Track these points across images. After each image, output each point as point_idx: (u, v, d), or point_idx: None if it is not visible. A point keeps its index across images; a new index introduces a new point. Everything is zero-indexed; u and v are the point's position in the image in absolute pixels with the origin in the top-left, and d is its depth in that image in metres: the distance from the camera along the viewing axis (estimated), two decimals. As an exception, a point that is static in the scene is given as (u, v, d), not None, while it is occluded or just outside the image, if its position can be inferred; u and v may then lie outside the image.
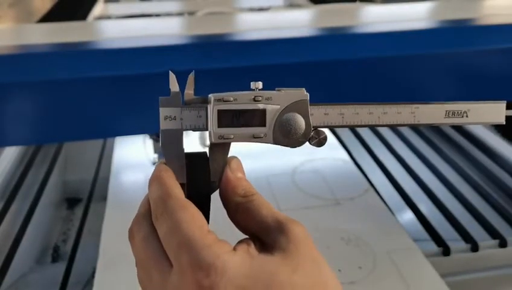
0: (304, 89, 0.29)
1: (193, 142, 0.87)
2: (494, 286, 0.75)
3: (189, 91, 0.29)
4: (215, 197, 0.29)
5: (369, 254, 0.67)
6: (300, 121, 0.29)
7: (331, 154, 0.93)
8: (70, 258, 0.76)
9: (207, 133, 0.29)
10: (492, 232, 0.76)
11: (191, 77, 0.29)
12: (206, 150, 0.29)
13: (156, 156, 0.87)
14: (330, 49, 0.59)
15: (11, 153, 1.00)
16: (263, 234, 0.27)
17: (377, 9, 0.87)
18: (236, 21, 0.80)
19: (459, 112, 0.30)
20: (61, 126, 0.59)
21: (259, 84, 0.29)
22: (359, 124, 0.29)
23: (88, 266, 0.78)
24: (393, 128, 1.14)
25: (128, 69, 0.54)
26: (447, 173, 0.95)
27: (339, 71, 0.60)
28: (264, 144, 0.29)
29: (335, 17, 0.76)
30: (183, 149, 0.29)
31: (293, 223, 0.27)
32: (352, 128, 1.12)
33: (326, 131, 0.29)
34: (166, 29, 0.71)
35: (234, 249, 0.26)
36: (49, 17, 1.16)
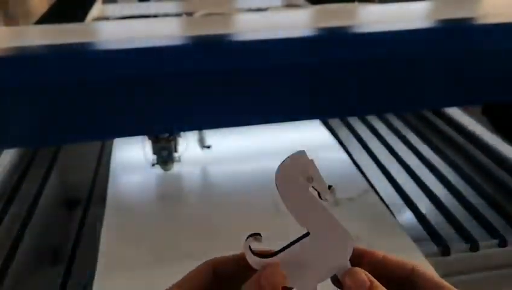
0: None
1: (192, 144, 0.87)
2: (494, 286, 0.74)
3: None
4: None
5: (369, 254, 0.66)
6: None
7: (330, 154, 0.93)
8: (70, 261, 0.76)
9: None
10: (492, 232, 0.76)
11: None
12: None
13: (155, 157, 0.87)
14: (329, 49, 0.58)
15: (10, 154, 1.00)
16: None
17: (376, 9, 0.87)
18: (234, 22, 0.79)
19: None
20: (59, 128, 0.59)
21: None
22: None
23: (87, 268, 0.78)
24: (392, 128, 1.14)
25: (127, 70, 0.54)
26: (447, 172, 0.94)
27: (339, 71, 0.60)
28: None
29: (333, 17, 0.76)
30: None
31: None
32: (352, 128, 1.12)
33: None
34: (164, 30, 0.71)
35: None
36: (47, 18, 1.16)
